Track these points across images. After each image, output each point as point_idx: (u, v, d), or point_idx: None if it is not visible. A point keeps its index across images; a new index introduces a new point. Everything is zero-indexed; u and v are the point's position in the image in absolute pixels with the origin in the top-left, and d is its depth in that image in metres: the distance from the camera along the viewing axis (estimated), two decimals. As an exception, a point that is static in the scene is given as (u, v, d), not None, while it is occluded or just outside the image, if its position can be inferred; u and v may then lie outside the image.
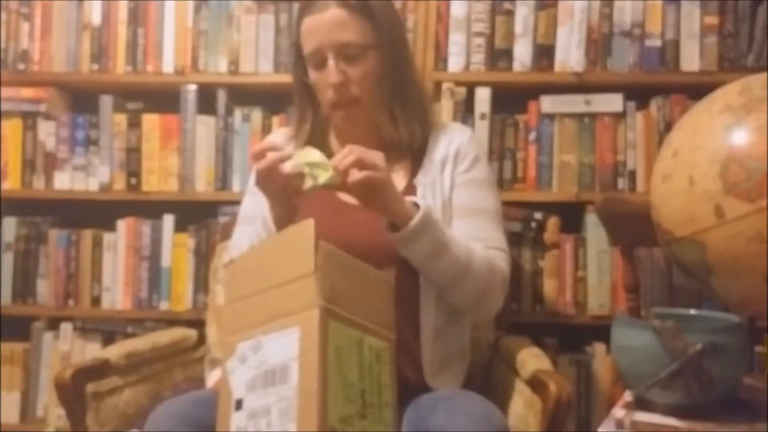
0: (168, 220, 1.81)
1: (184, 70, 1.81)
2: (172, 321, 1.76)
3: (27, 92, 1.84)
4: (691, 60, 1.71)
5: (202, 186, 1.80)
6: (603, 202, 1.48)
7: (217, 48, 1.81)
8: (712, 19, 1.70)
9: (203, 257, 1.79)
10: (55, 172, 1.84)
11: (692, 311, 1.20)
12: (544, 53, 1.73)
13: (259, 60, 1.80)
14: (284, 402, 0.88)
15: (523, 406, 1.23)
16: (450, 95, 1.72)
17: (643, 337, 1.02)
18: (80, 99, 1.91)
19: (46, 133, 1.84)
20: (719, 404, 1.03)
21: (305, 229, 0.94)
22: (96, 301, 1.82)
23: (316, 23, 1.21)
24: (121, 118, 1.82)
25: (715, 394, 1.01)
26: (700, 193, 0.96)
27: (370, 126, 1.27)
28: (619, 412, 1.05)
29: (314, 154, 1.08)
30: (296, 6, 1.78)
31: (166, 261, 1.80)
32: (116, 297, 1.81)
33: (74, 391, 1.25)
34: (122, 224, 1.82)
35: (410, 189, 1.26)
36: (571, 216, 1.75)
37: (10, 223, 1.85)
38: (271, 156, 1.08)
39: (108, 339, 1.79)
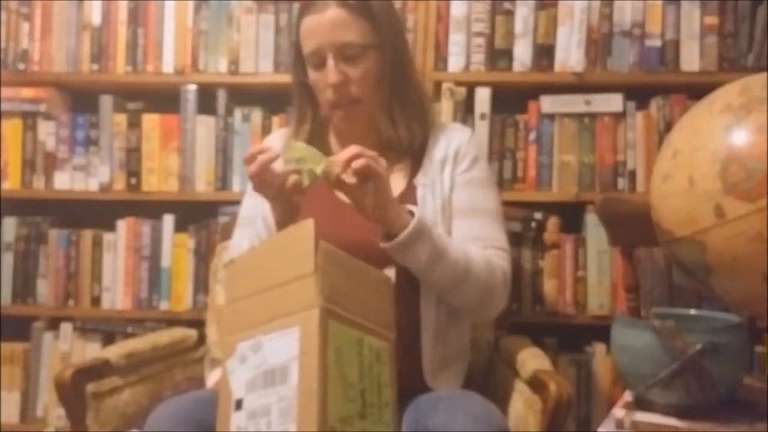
0: (168, 220, 1.81)
1: (184, 70, 1.81)
2: (172, 321, 1.76)
3: (27, 92, 1.84)
4: (691, 60, 1.71)
5: (202, 186, 1.80)
6: (603, 202, 1.48)
7: (217, 48, 1.81)
8: (712, 19, 1.70)
9: (203, 257, 1.79)
10: (55, 172, 1.84)
11: (692, 311, 1.20)
12: (544, 53, 1.73)
13: (259, 60, 1.80)
14: (284, 402, 0.88)
15: (523, 406, 1.23)
16: (450, 95, 1.72)
17: (643, 337, 1.02)
18: (80, 99, 1.91)
19: (46, 133, 1.84)
20: (719, 404, 1.03)
21: (305, 229, 0.94)
22: (96, 301, 1.82)
23: (316, 23, 1.21)
24: (121, 118, 1.82)
25: (715, 394, 1.01)
26: (700, 193, 0.96)
27: (369, 126, 1.27)
28: (619, 412, 1.04)
29: (299, 149, 1.09)
30: (296, 6, 1.78)
31: (166, 261, 1.81)
32: (116, 297, 1.81)
33: (74, 391, 1.25)
34: (122, 224, 1.82)
35: (410, 189, 1.26)
36: (571, 216, 1.75)
37: (10, 223, 1.85)
38: (259, 159, 1.08)
39: (108, 339, 1.79)
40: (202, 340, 1.63)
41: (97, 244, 1.82)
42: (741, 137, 0.93)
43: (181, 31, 1.81)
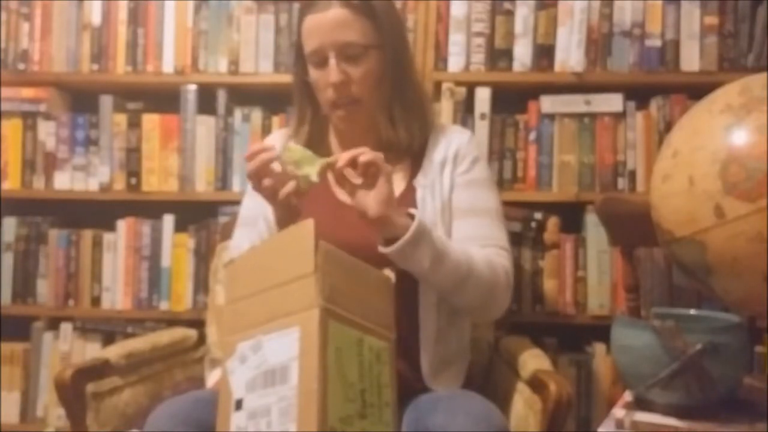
0: (168, 220, 1.81)
1: (184, 70, 1.81)
2: (172, 321, 1.76)
3: (27, 92, 1.84)
4: (691, 60, 1.71)
5: (202, 186, 1.80)
6: (603, 202, 1.48)
7: (217, 48, 1.81)
8: (712, 19, 1.70)
9: (203, 257, 1.79)
10: (55, 172, 1.84)
11: (692, 311, 1.20)
12: (544, 53, 1.73)
13: (259, 60, 1.80)
14: (284, 402, 0.88)
15: (523, 406, 1.23)
16: (450, 95, 1.72)
17: (643, 337, 1.02)
18: (80, 99, 1.91)
19: (46, 133, 1.84)
20: (719, 404, 1.03)
21: (305, 229, 0.94)
22: (96, 301, 1.82)
23: (319, 22, 1.21)
24: (121, 118, 1.82)
25: (715, 394, 1.01)
26: (700, 193, 0.96)
27: (369, 126, 1.27)
28: (619, 412, 1.04)
29: (295, 150, 1.09)
30: (296, 6, 1.79)
31: (166, 261, 1.81)
32: (116, 297, 1.81)
33: (74, 391, 1.25)
34: (122, 224, 1.82)
35: (410, 190, 1.26)
36: (571, 216, 1.75)
37: (10, 223, 1.85)
38: (259, 157, 1.08)
39: (108, 339, 1.79)
40: (202, 340, 1.63)
41: (97, 244, 1.82)
42: (741, 137, 0.93)
43: (181, 31, 1.81)
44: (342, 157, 1.07)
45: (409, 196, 1.24)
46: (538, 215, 1.72)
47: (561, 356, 1.70)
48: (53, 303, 1.82)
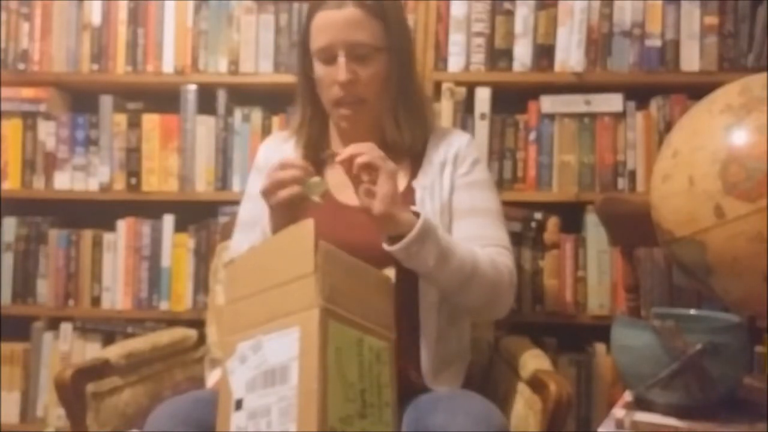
0: (168, 220, 1.81)
1: (184, 70, 1.81)
2: (172, 321, 1.76)
3: (27, 92, 1.84)
4: (691, 60, 1.71)
5: (202, 186, 1.80)
6: (603, 202, 1.48)
7: (217, 48, 1.81)
8: (712, 19, 1.70)
9: (203, 257, 1.79)
10: (55, 172, 1.84)
11: (692, 311, 1.20)
12: (544, 53, 1.73)
13: (259, 60, 1.80)
14: (284, 402, 0.88)
15: (523, 406, 1.23)
16: (450, 95, 1.72)
17: (643, 337, 1.02)
18: (80, 99, 1.91)
19: (46, 133, 1.84)
20: (719, 404, 1.03)
21: (305, 229, 0.94)
22: (96, 301, 1.82)
23: (331, 19, 1.21)
24: (121, 118, 1.82)
25: (715, 394, 1.01)
26: (700, 193, 0.96)
27: (371, 126, 1.27)
28: (619, 412, 1.04)
29: (318, 185, 1.09)
30: (296, 6, 1.79)
31: (166, 261, 1.81)
32: (116, 297, 1.81)
33: (74, 391, 1.25)
34: (122, 224, 1.82)
35: (409, 191, 1.26)
36: (571, 216, 1.75)
37: (10, 223, 1.85)
38: (288, 174, 1.07)
39: (108, 339, 1.79)
40: (202, 340, 1.63)
41: (97, 244, 1.82)
42: (741, 137, 0.94)
43: (181, 31, 1.81)
44: (343, 153, 1.08)
45: (408, 197, 1.24)
46: (538, 215, 1.72)
47: (561, 356, 1.70)
48: (53, 303, 1.82)
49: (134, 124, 1.82)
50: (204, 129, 1.81)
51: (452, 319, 1.25)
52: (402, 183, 1.27)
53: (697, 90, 1.35)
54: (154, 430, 1.06)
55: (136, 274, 1.81)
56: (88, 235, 1.83)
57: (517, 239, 1.69)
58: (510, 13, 1.74)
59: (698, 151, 0.97)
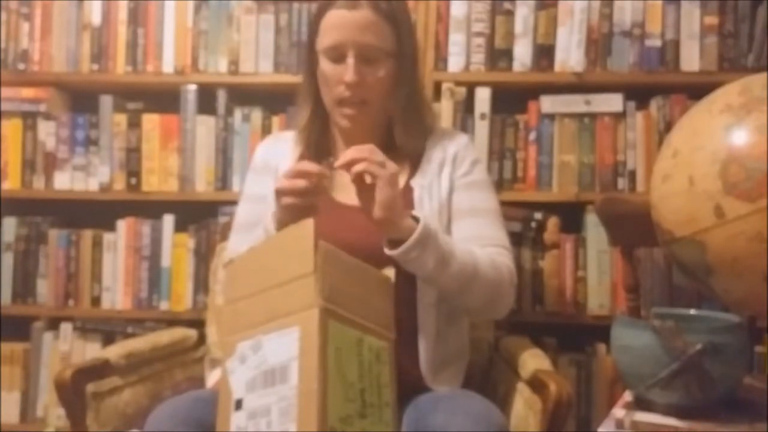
0: (168, 220, 1.81)
1: (184, 70, 1.81)
2: (172, 321, 1.76)
3: (27, 92, 1.84)
4: (691, 60, 1.71)
5: (202, 186, 1.80)
6: (603, 202, 1.48)
7: (217, 48, 1.81)
8: (712, 19, 1.70)
9: (203, 257, 1.79)
10: (55, 172, 1.84)
11: (692, 311, 1.20)
12: (544, 53, 1.73)
13: (259, 60, 1.80)
14: (284, 402, 0.88)
15: (523, 406, 1.23)
16: (450, 95, 1.72)
17: (643, 337, 1.02)
18: (80, 99, 1.91)
19: (46, 133, 1.84)
20: (719, 404, 1.03)
21: (305, 228, 0.94)
22: (96, 301, 1.82)
23: (344, 19, 1.21)
24: (121, 118, 1.82)
25: (715, 394, 1.01)
26: (700, 193, 0.96)
27: (372, 128, 1.28)
28: (619, 412, 1.04)
29: None
30: (296, 6, 1.79)
31: (166, 261, 1.81)
32: (116, 297, 1.81)
33: (74, 391, 1.25)
34: (122, 224, 1.82)
35: (407, 190, 1.26)
36: (571, 216, 1.75)
37: (10, 223, 1.85)
38: (297, 183, 1.07)
39: (108, 339, 1.79)
40: (202, 340, 1.63)
41: (97, 244, 1.82)
42: (741, 137, 0.94)
43: (181, 31, 1.81)
44: (341, 158, 1.07)
45: (407, 196, 1.24)
46: (538, 215, 1.72)
47: (561, 356, 1.70)
48: (53, 303, 1.82)
49: (134, 124, 1.82)
50: (204, 129, 1.81)
51: (451, 319, 1.25)
52: (401, 181, 1.27)
53: (697, 90, 1.35)
54: (154, 430, 1.06)
55: (136, 274, 1.81)
56: (88, 235, 1.83)
57: (517, 239, 1.69)
58: (510, 13, 1.74)
59: (698, 151, 0.97)
